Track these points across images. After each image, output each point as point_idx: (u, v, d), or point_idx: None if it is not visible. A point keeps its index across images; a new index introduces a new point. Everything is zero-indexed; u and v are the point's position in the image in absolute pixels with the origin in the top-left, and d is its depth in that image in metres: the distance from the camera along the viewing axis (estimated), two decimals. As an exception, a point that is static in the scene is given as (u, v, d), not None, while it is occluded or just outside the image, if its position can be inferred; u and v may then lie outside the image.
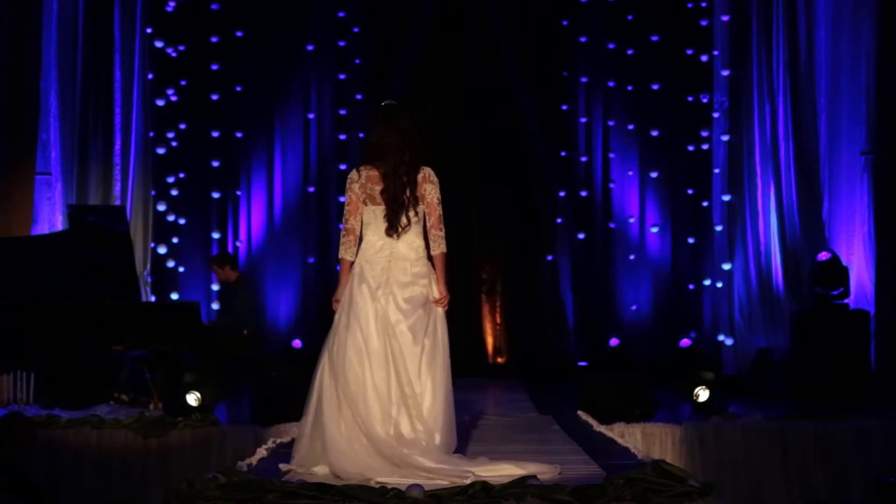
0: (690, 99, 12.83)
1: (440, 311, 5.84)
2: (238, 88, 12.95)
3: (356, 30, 13.10)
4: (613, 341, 12.78)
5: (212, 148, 12.95)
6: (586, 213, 13.20)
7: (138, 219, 12.28)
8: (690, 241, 12.91)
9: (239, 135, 13.00)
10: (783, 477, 8.42)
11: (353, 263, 5.89)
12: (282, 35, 13.04)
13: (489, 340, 13.36)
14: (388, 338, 5.67)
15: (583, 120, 13.23)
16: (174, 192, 12.76)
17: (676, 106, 12.96)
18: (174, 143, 12.80)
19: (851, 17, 11.09)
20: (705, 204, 12.70)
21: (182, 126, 12.80)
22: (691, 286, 12.83)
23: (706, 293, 12.70)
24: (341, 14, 13.09)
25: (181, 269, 12.74)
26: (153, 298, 12.25)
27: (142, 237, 12.29)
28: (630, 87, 13.05)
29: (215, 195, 12.98)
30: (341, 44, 13.13)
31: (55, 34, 11.44)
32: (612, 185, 13.16)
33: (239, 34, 12.88)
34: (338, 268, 13.76)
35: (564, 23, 13.09)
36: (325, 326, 5.88)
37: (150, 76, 12.61)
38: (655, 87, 12.99)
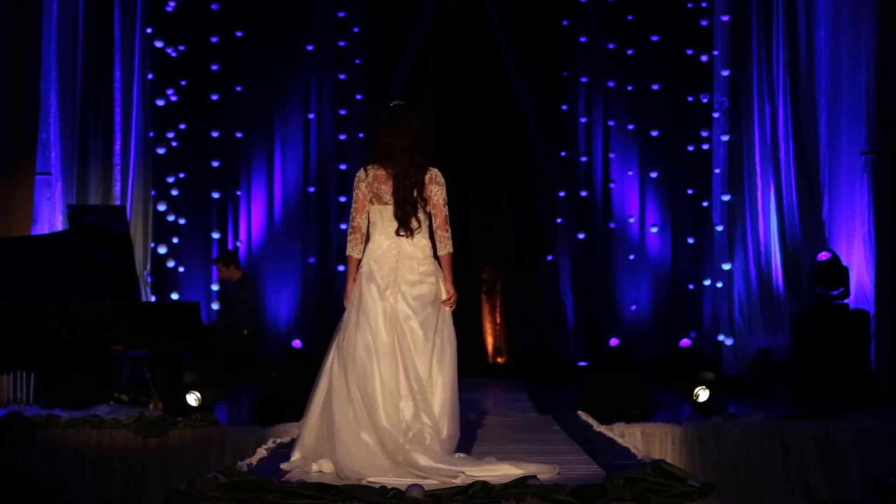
0: (690, 99, 12.83)
1: (447, 310, 5.89)
2: (238, 88, 12.95)
3: (356, 30, 13.10)
4: (613, 341, 12.78)
5: (212, 148, 12.95)
6: (586, 213, 13.20)
7: (138, 219, 12.28)
8: (690, 241, 12.91)
9: (239, 135, 13.00)
10: (783, 477, 8.43)
11: (359, 262, 5.89)
12: (282, 35, 13.04)
13: (489, 340, 13.37)
14: (398, 335, 5.72)
15: (583, 120, 13.23)
16: (174, 192, 12.77)
17: (676, 106, 12.96)
18: (174, 143, 12.80)
19: (851, 17, 11.09)
20: (705, 204, 12.69)
21: (182, 126, 12.80)
22: (691, 286, 12.83)
23: (706, 293, 12.70)
24: (341, 14, 13.10)
25: (181, 269, 12.74)
26: (153, 298, 12.25)
27: (142, 237, 12.29)
28: (630, 87, 13.05)
29: (215, 195, 12.98)
30: (341, 44, 13.13)
31: (55, 34, 11.44)
32: (612, 185, 13.17)
33: (239, 34, 12.88)
34: (339, 268, 13.75)
35: (564, 23, 13.09)
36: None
37: (150, 76, 12.61)
38: (655, 87, 12.99)
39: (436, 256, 5.91)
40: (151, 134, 12.61)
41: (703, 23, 12.66)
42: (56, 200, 11.37)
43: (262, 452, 6.50)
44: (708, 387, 9.01)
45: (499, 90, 13.19)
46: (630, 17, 12.98)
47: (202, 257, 12.87)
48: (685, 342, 12.50)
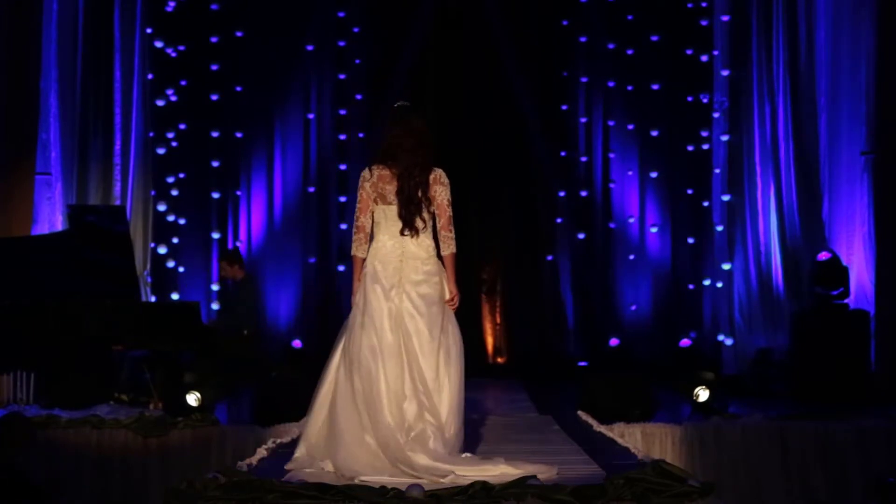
0: (690, 99, 12.84)
1: (451, 310, 5.91)
2: (238, 88, 12.95)
3: (356, 30, 13.10)
4: (613, 341, 12.77)
5: (212, 148, 12.95)
6: (586, 213, 13.20)
7: (138, 219, 12.28)
8: (690, 241, 12.91)
9: (239, 135, 13.00)
10: (783, 477, 8.42)
11: (364, 261, 5.89)
12: (282, 35, 13.04)
13: (489, 340, 13.38)
14: (403, 335, 5.74)
15: (583, 120, 13.23)
16: (174, 192, 12.77)
17: (676, 106, 12.96)
18: (174, 143, 12.80)
19: (851, 17, 11.09)
20: (705, 204, 12.69)
21: (182, 126, 12.80)
22: (691, 286, 12.83)
23: (706, 293, 12.70)
24: (341, 14, 13.10)
25: (181, 269, 12.74)
26: (153, 298, 12.25)
27: (142, 237, 12.29)
28: (630, 87, 13.05)
29: (215, 195, 12.98)
30: (341, 44, 13.13)
31: (55, 34, 11.43)
32: (612, 185, 13.16)
33: (239, 34, 12.88)
34: (339, 268, 13.75)
35: (564, 23, 13.09)
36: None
37: (150, 76, 12.61)
38: (655, 87, 12.99)
39: (439, 256, 5.92)
40: (151, 134, 12.61)
41: (703, 23, 12.66)
42: (56, 200, 11.37)
43: (262, 452, 6.50)
44: (708, 387, 9.01)
45: (499, 90, 13.19)
46: (630, 17, 12.98)
47: (202, 257, 12.87)
48: (685, 342, 12.51)
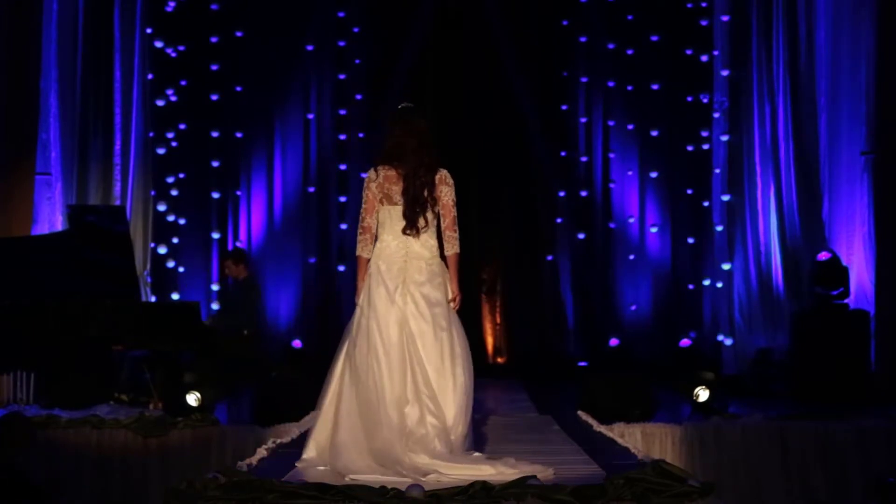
0: (690, 99, 12.84)
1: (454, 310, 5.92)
2: (238, 88, 12.96)
3: (356, 30, 13.11)
4: (613, 341, 12.78)
5: (212, 148, 12.96)
6: (586, 213, 13.20)
7: (138, 219, 12.28)
8: (690, 241, 12.91)
9: (239, 135, 13.00)
10: (783, 477, 8.42)
11: (368, 261, 5.89)
12: (282, 35, 13.05)
13: (489, 340, 13.38)
14: (407, 336, 5.73)
15: (583, 120, 13.24)
16: (174, 192, 12.77)
17: (676, 106, 12.97)
18: (174, 143, 12.80)
19: (851, 17, 11.09)
20: (705, 204, 12.70)
21: (182, 126, 12.81)
22: (691, 286, 12.84)
23: (706, 293, 12.71)
24: (341, 14, 13.10)
25: (181, 269, 12.75)
26: (153, 298, 12.25)
27: (142, 237, 12.29)
28: (630, 87, 13.06)
29: (215, 195, 12.99)
30: (341, 44, 13.13)
31: (55, 34, 11.44)
32: (612, 185, 13.17)
33: (239, 34, 12.89)
34: (339, 268, 13.75)
35: (564, 23, 13.10)
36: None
37: (150, 76, 12.61)
38: (655, 87, 13.00)
39: (442, 256, 5.92)
40: (151, 134, 12.62)
41: (703, 23, 12.67)
42: (56, 200, 11.37)
43: (262, 452, 6.50)
44: (708, 387, 9.01)
45: (499, 90, 13.20)
46: (630, 17, 12.99)
47: (202, 257, 12.87)
48: (685, 342, 12.51)
